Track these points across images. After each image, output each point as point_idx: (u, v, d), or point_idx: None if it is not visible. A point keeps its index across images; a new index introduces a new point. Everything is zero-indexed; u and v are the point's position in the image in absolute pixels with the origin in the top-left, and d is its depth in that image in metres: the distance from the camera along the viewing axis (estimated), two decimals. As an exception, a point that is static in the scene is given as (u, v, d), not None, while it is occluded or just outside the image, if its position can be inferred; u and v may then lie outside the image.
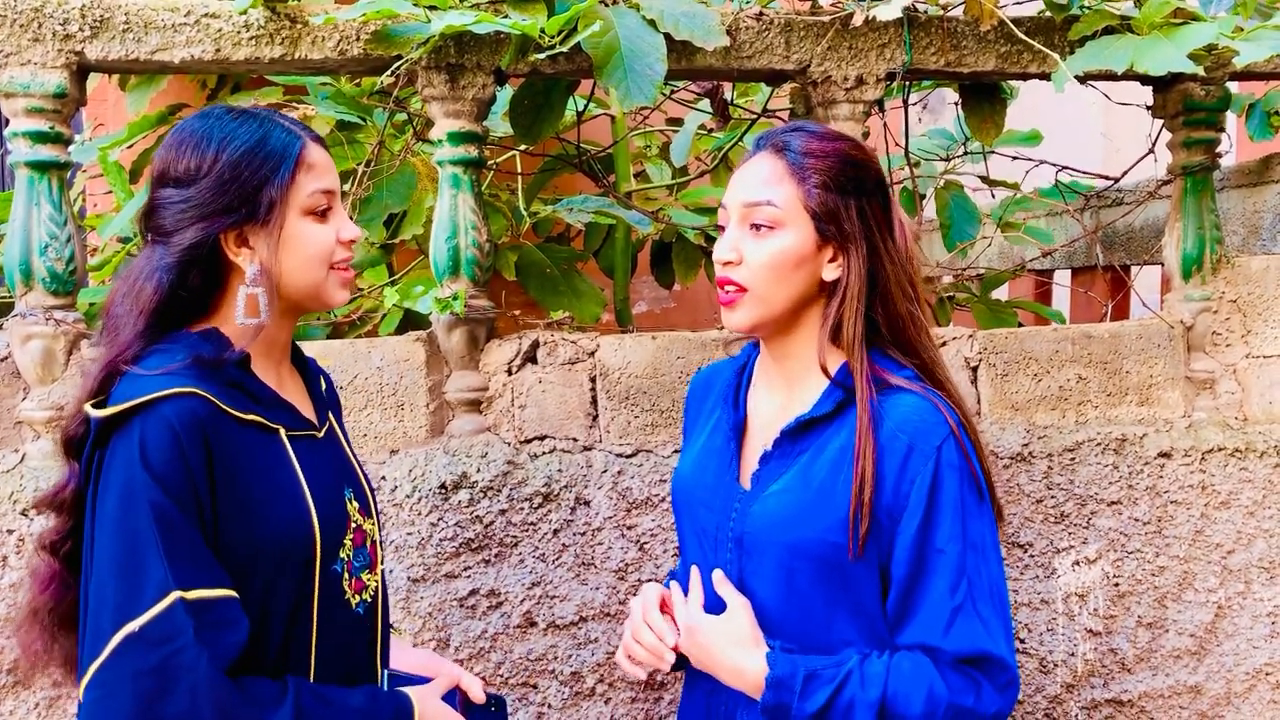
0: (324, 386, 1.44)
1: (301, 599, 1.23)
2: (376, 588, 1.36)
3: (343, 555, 1.29)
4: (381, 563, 1.39)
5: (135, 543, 1.10)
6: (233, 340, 1.25)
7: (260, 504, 1.20)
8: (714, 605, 1.34)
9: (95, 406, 1.17)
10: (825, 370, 1.32)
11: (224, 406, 1.18)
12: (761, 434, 1.38)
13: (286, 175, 1.23)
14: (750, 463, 1.38)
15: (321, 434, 1.35)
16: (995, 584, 1.28)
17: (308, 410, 1.35)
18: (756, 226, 1.31)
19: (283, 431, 1.27)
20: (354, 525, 1.32)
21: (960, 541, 1.24)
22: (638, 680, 2.05)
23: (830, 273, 1.32)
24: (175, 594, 1.09)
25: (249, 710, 1.12)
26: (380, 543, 1.40)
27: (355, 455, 1.43)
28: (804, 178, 1.30)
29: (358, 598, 1.31)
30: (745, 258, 1.31)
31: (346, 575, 1.29)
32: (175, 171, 1.23)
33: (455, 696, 1.38)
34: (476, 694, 1.40)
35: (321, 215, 1.28)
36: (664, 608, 1.40)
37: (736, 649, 1.29)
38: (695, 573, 1.39)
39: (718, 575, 1.35)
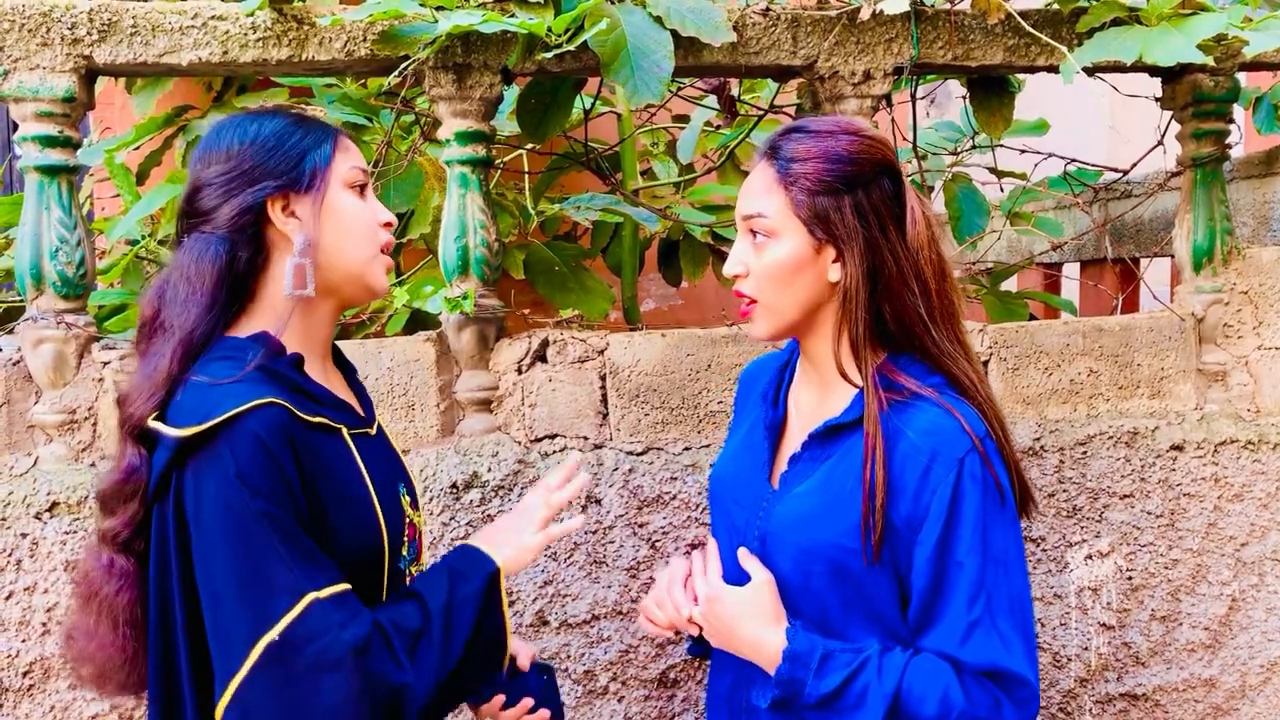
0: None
1: (373, 597, 1.24)
2: None
3: (404, 552, 1.30)
4: (425, 551, 1.40)
5: (252, 556, 1.09)
6: (280, 339, 1.23)
7: (337, 509, 1.19)
8: (735, 582, 1.34)
9: (158, 419, 1.14)
10: (845, 375, 1.31)
11: (297, 413, 1.17)
12: (799, 433, 1.37)
13: (328, 151, 1.25)
14: (784, 463, 1.38)
15: (374, 431, 1.35)
16: (1017, 598, 1.25)
17: (357, 407, 1.35)
18: (755, 236, 1.32)
19: (345, 431, 1.26)
20: (408, 520, 1.33)
21: (980, 555, 1.22)
22: (652, 679, 2.05)
23: (835, 273, 1.30)
24: (311, 595, 1.09)
25: (386, 667, 1.12)
26: (423, 534, 1.41)
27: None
28: (790, 184, 1.29)
29: None
30: (751, 269, 1.32)
31: (405, 569, 1.30)
32: (214, 157, 1.24)
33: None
34: (522, 662, 1.40)
35: (361, 192, 1.29)
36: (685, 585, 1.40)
37: (757, 622, 1.28)
38: (713, 545, 1.39)
39: (743, 552, 1.35)
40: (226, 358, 1.18)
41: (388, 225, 1.31)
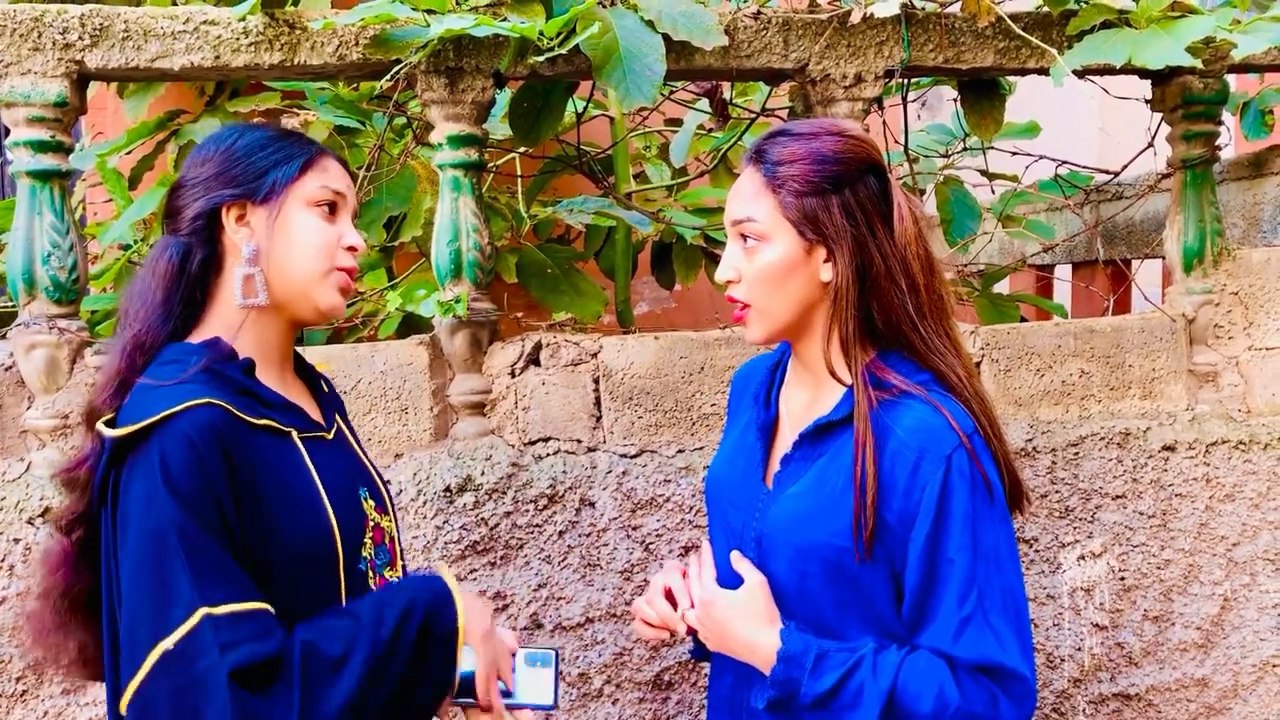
0: (326, 389, 1.45)
1: (329, 598, 1.24)
2: None
3: (365, 554, 1.30)
4: (401, 559, 1.40)
5: (162, 562, 1.10)
6: (232, 345, 1.26)
7: (279, 508, 1.20)
8: (732, 586, 1.35)
9: (108, 424, 1.17)
10: (834, 374, 1.32)
11: (238, 414, 1.19)
12: (790, 433, 1.38)
13: (295, 168, 1.28)
14: (778, 463, 1.38)
15: (331, 435, 1.36)
16: (1010, 594, 1.25)
17: (315, 413, 1.36)
18: (746, 240, 1.32)
19: (295, 434, 1.27)
20: (372, 524, 1.33)
21: (970, 551, 1.22)
22: (646, 681, 2.05)
23: (826, 273, 1.31)
24: (202, 610, 1.09)
25: (262, 708, 1.11)
26: (399, 540, 1.41)
27: (366, 455, 1.44)
28: (778, 187, 1.29)
29: None
30: (742, 274, 1.33)
31: (371, 573, 1.31)
32: (194, 162, 1.29)
33: None
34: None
35: (329, 212, 1.30)
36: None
37: (751, 624, 1.29)
38: (706, 548, 1.39)
39: (735, 555, 1.35)
40: (174, 361, 1.21)
41: (351, 249, 1.32)
